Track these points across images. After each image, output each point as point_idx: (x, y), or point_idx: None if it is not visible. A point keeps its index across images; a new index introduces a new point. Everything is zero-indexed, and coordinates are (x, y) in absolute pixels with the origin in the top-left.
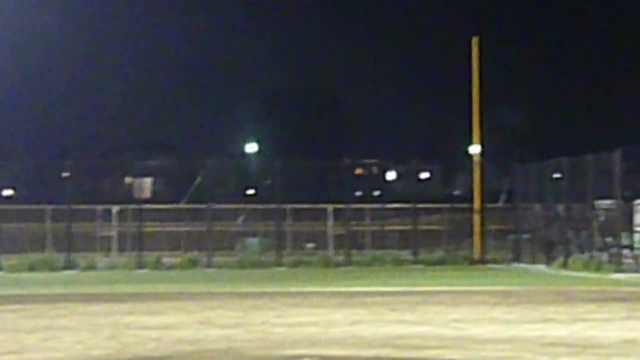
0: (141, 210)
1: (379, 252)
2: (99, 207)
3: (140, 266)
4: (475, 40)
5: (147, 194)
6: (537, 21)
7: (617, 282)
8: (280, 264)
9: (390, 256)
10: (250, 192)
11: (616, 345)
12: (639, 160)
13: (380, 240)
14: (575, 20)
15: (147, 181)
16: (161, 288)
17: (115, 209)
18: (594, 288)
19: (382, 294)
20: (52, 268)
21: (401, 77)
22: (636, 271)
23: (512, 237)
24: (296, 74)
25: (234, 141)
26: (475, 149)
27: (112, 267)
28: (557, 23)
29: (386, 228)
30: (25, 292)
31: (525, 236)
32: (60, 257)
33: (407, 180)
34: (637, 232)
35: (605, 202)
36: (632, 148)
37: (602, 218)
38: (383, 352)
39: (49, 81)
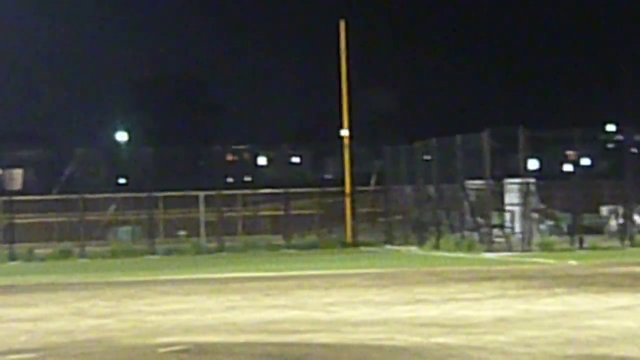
0: (12, 201)
1: (251, 238)
2: None
3: (12, 258)
4: (342, 24)
5: (17, 185)
6: (404, 4)
7: (488, 262)
8: (153, 252)
9: (262, 241)
10: (122, 181)
11: (488, 324)
12: (507, 140)
13: (253, 226)
14: (441, 2)
15: (18, 172)
16: (33, 280)
17: None
18: (466, 268)
19: (255, 279)
20: None
21: (270, 62)
22: (507, 250)
23: (383, 219)
24: (163, 61)
25: (104, 130)
26: (344, 132)
27: None
28: (424, 5)
29: (258, 213)
30: None
31: (397, 218)
32: None
33: (278, 165)
34: (508, 211)
35: (475, 183)
36: (500, 128)
37: (472, 198)
38: (257, 338)
39: None
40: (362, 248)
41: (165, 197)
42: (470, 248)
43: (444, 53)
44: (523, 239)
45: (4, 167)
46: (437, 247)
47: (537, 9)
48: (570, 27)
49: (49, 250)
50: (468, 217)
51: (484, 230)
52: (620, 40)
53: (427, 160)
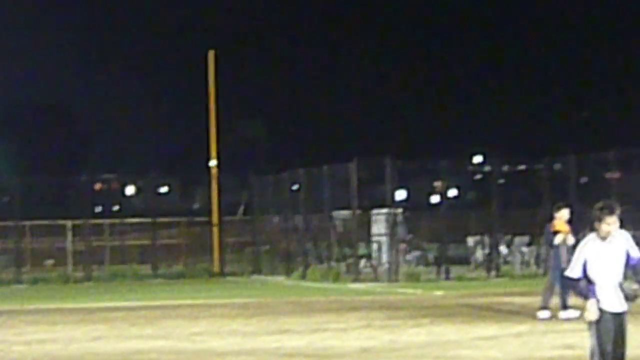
0: None
1: (118, 267)
2: None
3: None
4: (211, 54)
5: None
6: (273, 35)
7: (355, 292)
8: (19, 282)
9: (130, 271)
10: None
11: (354, 354)
12: (374, 171)
13: (120, 256)
14: (308, 33)
15: None
16: None
17: None
18: (333, 298)
19: (122, 309)
20: None
21: (138, 91)
22: (374, 281)
23: (251, 249)
24: (30, 90)
25: None
26: (213, 162)
27: None
28: (293, 36)
29: (126, 243)
30: None
31: (265, 248)
32: None
33: (146, 194)
34: (375, 241)
35: (343, 213)
36: (368, 159)
37: (339, 228)
38: None
39: None
40: (229, 278)
41: (32, 226)
42: (337, 278)
43: (311, 83)
44: (390, 270)
45: None
46: (304, 277)
47: (398, 40)
48: (433, 59)
49: None
50: (335, 248)
51: (351, 260)
52: (485, 72)
53: (294, 191)
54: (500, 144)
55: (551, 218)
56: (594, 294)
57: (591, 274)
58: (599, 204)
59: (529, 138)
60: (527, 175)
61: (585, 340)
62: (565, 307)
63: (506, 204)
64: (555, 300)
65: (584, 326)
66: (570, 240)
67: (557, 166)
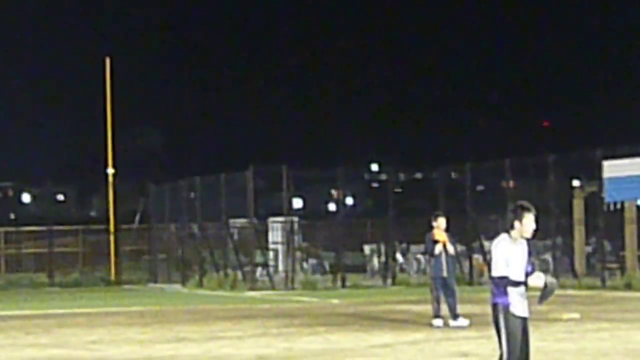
0: None
1: (14, 276)
2: None
3: None
4: (107, 61)
5: None
6: (169, 43)
7: (251, 300)
8: None
9: (26, 279)
10: None
11: None
12: (271, 179)
13: (16, 264)
14: (205, 40)
15: None
16: None
17: None
18: (229, 306)
19: (17, 317)
20: None
21: (35, 98)
22: (270, 289)
23: (147, 257)
24: None
25: None
26: (109, 170)
27: None
28: (188, 44)
29: (22, 251)
30: None
31: (161, 256)
32: None
33: (42, 202)
34: (271, 249)
35: (239, 221)
36: (264, 167)
37: (236, 236)
38: None
39: None
40: (126, 286)
41: None
42: (233, 286)
43: (208, 91)
44: (286, 278)
45: None
46: (200, 285)
47: (292, 47)
48: (329, 67)
49: None
50: (232, 256)
51: (248, 268)
52: (382, 80)
53: (191, 199)
54: (397, 153)
55: (430, 227)
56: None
57: (495, 273)
58: (515, 204)
59: (426, 147)
60: (423, 184)
61: (480, 349)
62: (455, 316)
63: (402, 212)
64: (445, 308)
65: (479, 334)
66: (450, 249)
67: (453, 174)
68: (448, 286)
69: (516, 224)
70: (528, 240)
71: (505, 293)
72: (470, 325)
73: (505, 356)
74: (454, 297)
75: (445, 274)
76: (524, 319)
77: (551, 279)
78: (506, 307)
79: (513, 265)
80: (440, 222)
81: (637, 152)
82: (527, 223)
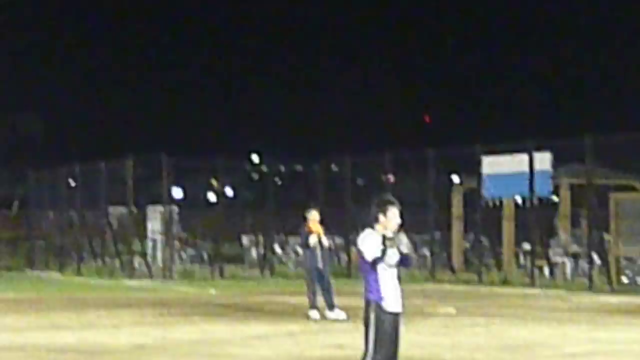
0: None
1: None
2: None
3: None
4: None
5: None
6: (46, 27)
7: (129, 289)
8: None
9: None
10: None
11: (125, 351)
12: (150, 168)
13: None
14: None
15: None
16: None
17: None
18: (106, 295)
19: None
20: None
21: None
22: (148, 277)
23: (25, 244)
24: None
25: None
26: None
27: None
28: (63, 29)
29: None
30: None
31: (39, 243)
32: None
33: None
34: (150, 239)
35: (118, 209)
36: (144, 156)
37: (114, 225)
38: None
39: None
40: (3, 272)
41: None
42: (111, 275)
43: (88, 78)
44: (164, 267)
45: None
46: (78, 273)
47: (177, 33)
48: (211, 55)
49: None
50: (110, 244)
51: (126, 257)
52: (263, 70)
53: (70, 186)
54: (278, 144)
55: (304, 219)
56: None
57: (369, 257)
58: (379, 198)
59: (306, 139)
60: (304, 176)
61: (356, 341)
62: (332, 307)
63: (282, 204)
64: (321, 299)
65: (355, 326)
66: (325, 241)
67: (334, 167)
68: (324, 278)
69: (381, 217)
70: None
71: (379, 289)
72: (348, 317)
73: (370, 354)
74: (329, 288)
75: (320, 265)
76: (397, 315)
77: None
78: (378, 303)
79: (387, 259)
80: (314, 215)
81: (516, 148)
82: (392, 217)
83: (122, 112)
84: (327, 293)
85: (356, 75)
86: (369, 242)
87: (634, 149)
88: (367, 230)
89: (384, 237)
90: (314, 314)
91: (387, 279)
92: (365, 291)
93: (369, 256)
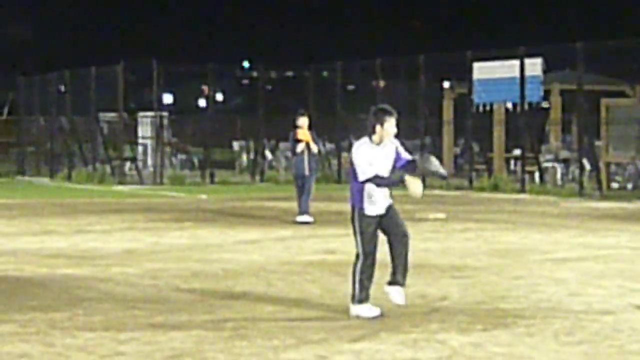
0: None
1: None
2: None
3: None
4: None
5: None
6: None
7: (120, 194)
8: None
9: None
10: None
11: (116, 256)
12: (141, 73)
13: None
14: None
15: None
16: None
17: None
18: (97, 200)
19: None
20: None
21: None
22: (139, 183)
23: (15, 150)
24: None
25: None
26: None
27: None
28: None
29: None
30: None
31: (30, 149)
32: None
33: None
34: (140, 144)
35: (109, 115)
36: (135, 61)
37: (105, 131)
38: None
39: None
40: None
41: None
42: (102, 180)
43: None
44: (155, 173)
45: None
46: (69, 179)
47: None
48: None
49: None
50: (101, 150)
51: (117, 163)
52: None
53: (61, 92)
54: (269, 50)
55: (294, 126)
56: (400, 171)
57: (363, 177)
58: (376, 108)
59: (298, 45)
60: (294, 82)
61: (346, 246)
62: (303, 213)
63: (272, 110)
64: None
65: (345, 232)
66: (314, 147)
67: (324, 73)
68: (306, 184)
69: (377, 127)
70: (395, 143)
71: (361, 198)
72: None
73: (361, 258)
74: (308, 195)
75: (307, 172)
76: (381, 216)
77: (426, 165)
78: (361, 208)
79: (377, 168)
80: (303, 121)
81: (507, 54)
82: (389, 127)
83: (112, 17)
84: (304, 198)
85: None
86: (362, 156)
87: (624, 55)
88: (363, 140)
89: (414, 164)
90: (304, 218)
91: (372, 188)
92: (350, 195)
93: (361, 176)
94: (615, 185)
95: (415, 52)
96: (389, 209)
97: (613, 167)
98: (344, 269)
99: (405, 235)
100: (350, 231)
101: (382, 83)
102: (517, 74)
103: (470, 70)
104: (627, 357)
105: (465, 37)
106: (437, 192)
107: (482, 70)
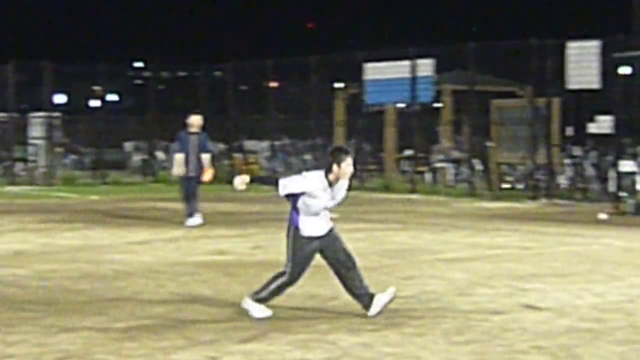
0: None
1: None
2: None
3: None
4: None
5: None
6: None
7: (10, 195)
8: None
9: None
10: None
11: (6, 257)
12: (32, 73)
13: None
14: None
15: None
16: None
17: None
18: None
19: None
20: None
21: None
22: (30, 184)
23: None
24: None
25: None
26: None
27: None
28: None
29: None
30: None
31: None
32: None
33: None
34: (32, 144)
35: (0, 115)
36: (26, 61)
37: None
38: None
39: None
40: None
41: None
42: None
43: None
44: (46, 173)
45: None
46: None
47: None
48: None
49: None
50: None
51: (7, 163)
52: None
53: None
54: (161, 50)
55: (184, 125)
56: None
57: (303, 205)
58: (333, 147)
59: (190, 45)
60: (187, 82)
61: (237, 247)
62: (191, 214)
63: (165, 110)
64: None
65: (236, 232)
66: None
67: (217, 73)
68: (193, 186)
69: (334, 167)
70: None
71: (296, 218)
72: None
73: (289, 271)
74: (195, 197)
75: (192, 173)
76: (317, 237)
77: None
78: (297, 228)
79: (317, 203)
80: (193, 121)
81: (399, 55)
82: (346, 167)
83: (2, 15)
84: (192, 200)
85: None
86: (298, 183)
87: (515, 56)
88: (319, 174)
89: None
90: (194, 221)
91: (314, 213)
92: (290, 212)
93: (283, 189)
94: (506, 185)
95: (307, 53)
96: (330, 232)
97: (504, 168)
98: (234, 269)
99: (340, 262)
100: (241, 232)
101: (274, 84)
102: (408, 74)
103: (361, 71)
104: (515, 356)
105: (357, 38)
106: None
107: (373, 71)
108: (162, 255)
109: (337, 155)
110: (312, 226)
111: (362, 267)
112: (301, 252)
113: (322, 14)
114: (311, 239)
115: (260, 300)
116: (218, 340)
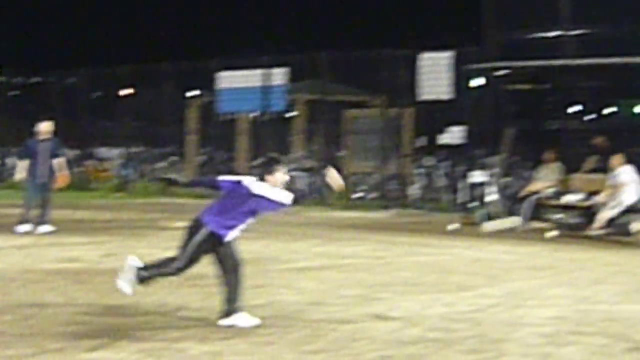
0: None
1: None
2: None
3: None
4: None
5: None
6: None
7: None
8: None
9: None
10: None
11: None
12: None
13: None
14: None
15: None
16: None
17: None
18: None
19: None
20: None
21: None
22: None
23: None
24: None
25: None
26: None
27: None
28: None
29: None
30: None
31: None
32: None
33: None
34: None
35: None
36: None
37: None
38: None
39: None
40: None
41: None
42: None
43: None
44: None
45: None
46: None
47: None
48: None
49: None
50: None
51: None
52: None
53: None
54: (15, 55)
55: (31, 133)
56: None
57: (257, 210)
58: (266, 157)
59: (44, 51)
60: (40, 87)
61: (89, 254)
62: (43, 222)
63: (18, 116)
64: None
65: (88, 240)
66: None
67: (70, 79)
68: (44, 193)
69: (268, 177)
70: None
71: (229, 226)
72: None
73: (181, 262)
74: (47, 204)
75: (39, 180)
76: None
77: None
78: (218, 235)
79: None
80: (43, 127)
81: (252, 64)
82: (279, 177)
83: None
84: (45, 207)
85: None
86: (272, 190)
87: (368, 66)
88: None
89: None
90: (24, 228)
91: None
92: (208, 213)
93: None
94: (357, 195)
95: (160, 60)
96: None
97: (355, 177)
98: (85, 277)
99: (235, 267)
100: (93, 239)
101: (127, 91)
102: (260, 83)
103: (214, 79)
104: None
105: (211, 46)
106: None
107: (226, 79)
108: (12, 261)
109: (270, 166)
110: (233, 234)
111: (211, 276)
112: (204, 252)
113: (175, 21)
114: (223, 244)
115: (142, 280)
116: (65, 349)
